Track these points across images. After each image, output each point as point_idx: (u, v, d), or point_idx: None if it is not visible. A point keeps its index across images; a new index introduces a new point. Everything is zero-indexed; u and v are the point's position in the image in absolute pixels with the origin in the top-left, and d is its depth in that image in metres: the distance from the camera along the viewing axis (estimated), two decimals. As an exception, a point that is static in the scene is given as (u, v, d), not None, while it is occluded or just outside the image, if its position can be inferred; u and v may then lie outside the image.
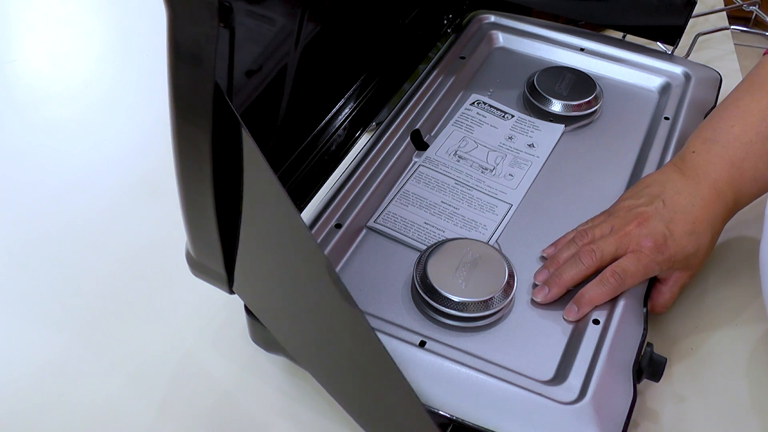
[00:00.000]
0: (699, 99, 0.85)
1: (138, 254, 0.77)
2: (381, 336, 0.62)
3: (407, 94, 0.84)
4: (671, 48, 0.92)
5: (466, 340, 0.64)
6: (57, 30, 1.08)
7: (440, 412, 0.58)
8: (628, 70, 0.89)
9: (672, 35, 0.90)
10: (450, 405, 0.58)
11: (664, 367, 0.63)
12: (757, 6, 1.10)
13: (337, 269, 0.69)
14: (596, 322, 0.64)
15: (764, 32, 1.11)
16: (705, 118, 0.82)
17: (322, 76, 0.75)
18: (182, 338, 0.70)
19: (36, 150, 0.90)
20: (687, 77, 0.87)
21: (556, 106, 0.84)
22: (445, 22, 0.94)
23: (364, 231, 0.72)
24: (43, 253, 0.78)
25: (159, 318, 0.72)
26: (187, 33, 0.45)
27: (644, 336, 0.64)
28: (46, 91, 0.99)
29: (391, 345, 0.61)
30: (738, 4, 1.11)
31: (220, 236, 0.57)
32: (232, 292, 0.62)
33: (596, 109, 0.84)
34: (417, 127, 0.81)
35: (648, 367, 0.63)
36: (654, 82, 0.88)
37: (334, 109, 0.78)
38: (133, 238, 0.79)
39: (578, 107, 0.84)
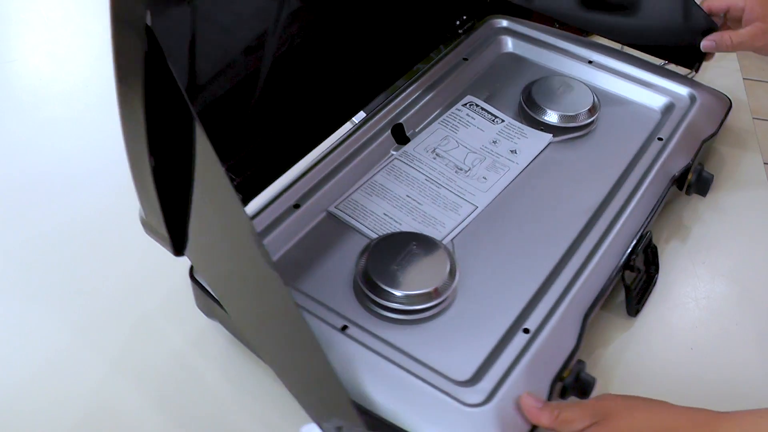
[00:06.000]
0: (698, 123, 0.82)
1: (138, 253, 0.76)
2: (306, 315, 0.63)
3: (400, 88, 0.85)
4: (691, 72, 0.88)
5: (392, 332, 0.64)
6: (57, 30, 1.09)
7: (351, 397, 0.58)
8: (633, 86, 0.87)
9: (691, 59, 0.88)
10: (355, 390, 0.59)
11: (592, 388, 0.62)
12: None
13: (287, 247, 0.70)
14: (526, 330, 0.63)
15: None
16: (702, 144, 0.79)
17: (309, 59, 0.76)
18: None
19: (36, 149, 0.90)
20: (692, 99, 0.84)
21: (548, 116, 0.82)
22: (458, 23, 0.93)
23: (323, 214, 0.73)
24: (43, 251, 0.78)
25: (155, 315, 0.73)
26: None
27: (574, 352, 0.62)
28: (45, 91, 0.99)
29: (314, 324, 0.62)
30: None
31: (159, 198, 0.59)
32: (177, 254, 0.64)
33: (589, 123, 0.82)
34: (401, 121, 0.81)
35: (574, 384, 0.61)
36: (657, 102, 0.85)
37: (318, 94, 0.79)
38: (134, 237, 0.75)
39: (570, 119, 0.82)
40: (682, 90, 0.85)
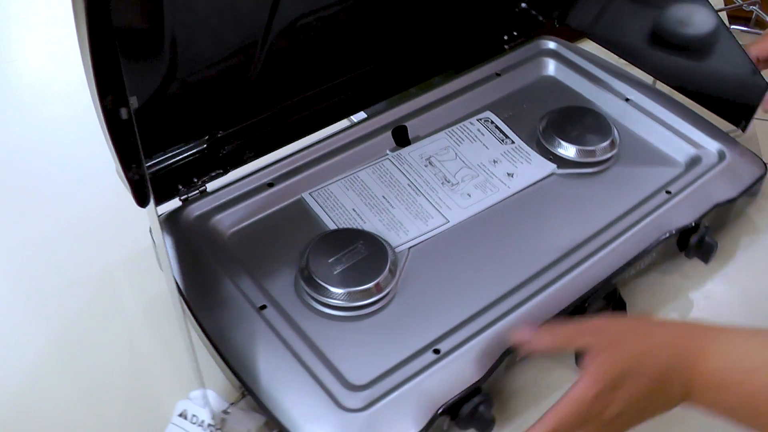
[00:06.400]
0: (716, 184, 0.75)
1: (139, 253, 0.76)
2: (229, 288, 0.65)
3: (420, 91, 0.84)
4: (737, 130, 0.82)
5: (312, 323, 0.65)
6: (57, 30, 1.07)
7: (236, 370, 0.60)
8: (663, 132, 0.81)
9: (739, 115, 0.81)
10: (247, 369, 0.60)
11: (490, 425, 0.60)
12: (757, 6, 1.04)
13: (249, 221, 0.73)
14: (436, 351, 0.62)
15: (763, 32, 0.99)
16: (714, 207, 0.74)
17: (331, 42, 0.78)
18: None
19: (36, 149, 0.90)
20: (720, 157, 0.78)
21: (558, 146, 0.79)
22: (506, 38, 0.92)
23: (296, 198, 0.75)
24: (44, 251, 0.78)
25: (156, 315, 0.72)
26: None
27: (477, 385, 0.60)
28: (45, 90, 0.99)
29: (233, 298, 0.64)
30: (738, 4, 1.06)
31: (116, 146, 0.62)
32: (141, 205, 0.67)
33: (599, 162, 0.79)
34: (407, 123, 0.81)
35: (470, 417, 0.60)
36: (683, 153, 0.80)
37: (325, 81, 0.80)
38: (135, 237, 0.76)
39: (581, 153, 0.79)
40: (712, 145, 0.79)
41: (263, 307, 0.64)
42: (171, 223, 0.70)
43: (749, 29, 1.06)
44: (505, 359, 0.62)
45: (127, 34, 0.62)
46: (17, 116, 0.95)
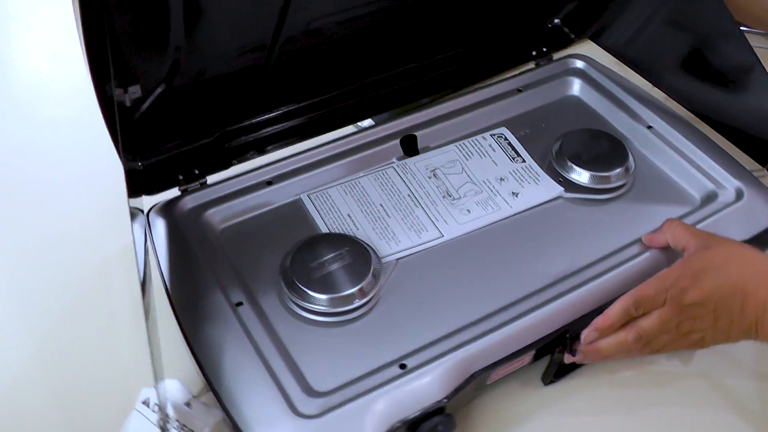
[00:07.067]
0: (729, 224, 0.72)
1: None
2: (211, 281, 0.65)
3: (437, 101, 0.83)
4: (762, 170, 0.78)
5: (286, 325, 0.65)
6: (56, 30, 1.08)
7: (201, 363, 0.60)
8: (682, 164, 0.78)
9: (764, 154, 0.77)
10: (212, 364, 0.60)
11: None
12: None
13: (243, 218, 0.73)
14: (403, 366, 0.61)
15: (765, 32, 0.99)
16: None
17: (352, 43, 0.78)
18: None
19: (36, 149, 0.90)
20: (738, 196, 0.74)
21: (569, 169, 0.77)
22: (534, 53, 0.90)
23: (292, 199, 0.75)
24: (43, 251, 0.78)
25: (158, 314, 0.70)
26: None
27: (439, 405, 0.59)
28: (45, 90, 0.99)
29: (211, 294, 0.65)
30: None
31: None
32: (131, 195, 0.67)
33: (608, 189, 0.76)
34: (417, 133, 0.80)
35: None
36: (700, 188, 0.76)
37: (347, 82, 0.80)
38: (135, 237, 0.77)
39: (592, 179, 0.76)
40: (731, 183, 0.75)
41: (239, 303, 0.65)
42: (166, 212, 0.71)
43: (749, 29, 1.00)
44: (472, 382, 0.61)
45: (136, 22, 0.63)
46: (17, 116, 0.96)
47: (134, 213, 0.60)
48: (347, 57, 0.80)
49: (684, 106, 0.84)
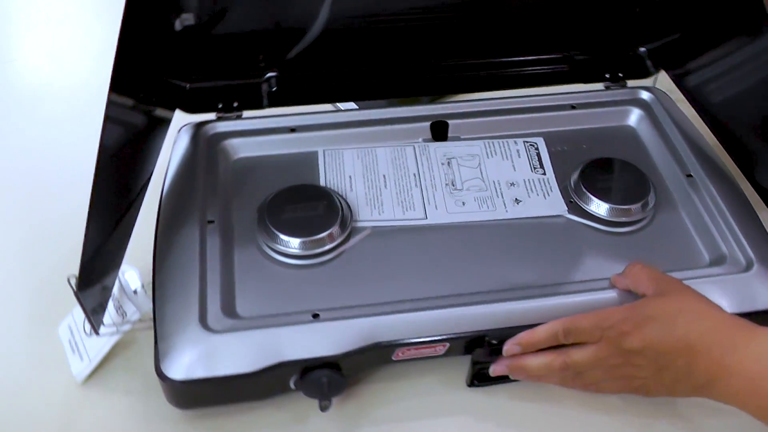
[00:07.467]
0: (723, 293, 0.66)
1: (140, 252, 0.72)
2: (198, 197, 0.72)
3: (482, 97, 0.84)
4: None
5: (245, 252, 0.70)
6: (56, 29, 1.09)
7: (155, 257, 0.68)
8: (704, 219, 0.73)
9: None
10: (163, 261, 0.67)
11: (326, 403, 0.62)
12: None
13: (257, 154, 0.79)
14: (316, 315, 0.64)
15: None
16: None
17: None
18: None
19: (36, 149, 0.91)
20: (747, 267, 0.68)
21: (582, 195, 0.75)
22: (607, 75, 0.87)
23: (309, 150, 0.80)
24: (43, 250, 0.79)
25: None
26: None
27: (333, 360, 0.61)
28: (45, 89, 0.99)
29: (195, 207, 0.71)
30: None
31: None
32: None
33: (615, 222, 0.73)
34: (453, 121, 0.82)
35: (311, 386, 0.62)
36: (714, 249, 0.71)
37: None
38: (135, 237, 0.71)
39: (598, 207, 0.74)
40: (745, 251, 0.69)
41: (211, 221, 0.71)
42: (193, 130, 0.79)
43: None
44: (374, 351, 0.63)
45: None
46: (17, 116, 0.96)
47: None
48: (419, 38, 0.83)
49: (740, 170, 0.78)
